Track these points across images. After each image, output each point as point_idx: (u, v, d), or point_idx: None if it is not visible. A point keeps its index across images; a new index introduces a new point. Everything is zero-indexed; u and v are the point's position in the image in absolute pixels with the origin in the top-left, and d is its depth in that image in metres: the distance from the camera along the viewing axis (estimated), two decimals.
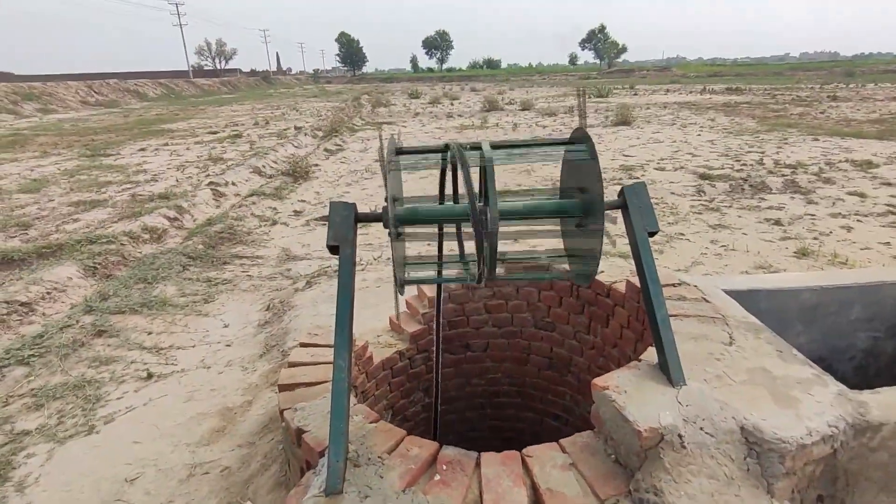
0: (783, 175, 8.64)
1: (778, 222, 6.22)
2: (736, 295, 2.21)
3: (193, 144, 14.13)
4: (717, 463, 1.36)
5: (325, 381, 2.21)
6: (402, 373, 2.92)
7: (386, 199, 1.56)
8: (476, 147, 1.58)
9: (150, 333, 3.64)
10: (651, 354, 1.72)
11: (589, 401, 3.03)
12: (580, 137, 1.65)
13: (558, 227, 1.88)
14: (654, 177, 8.90)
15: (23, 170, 10.95)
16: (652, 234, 1.66)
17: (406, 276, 1.80)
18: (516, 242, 4.99)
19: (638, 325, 2.34)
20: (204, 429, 2.58)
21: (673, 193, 7.79)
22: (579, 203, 1.70)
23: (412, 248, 2.05)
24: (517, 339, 3.11)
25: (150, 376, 3.07)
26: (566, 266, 1.93)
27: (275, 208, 7.78)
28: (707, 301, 2.08)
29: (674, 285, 2.26)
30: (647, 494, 1.35)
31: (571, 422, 3.04)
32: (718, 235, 5.84)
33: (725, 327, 1.87)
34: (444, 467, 1.55)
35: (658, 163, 10.15)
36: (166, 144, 14.24)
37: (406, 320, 2.94)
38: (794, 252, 5.17)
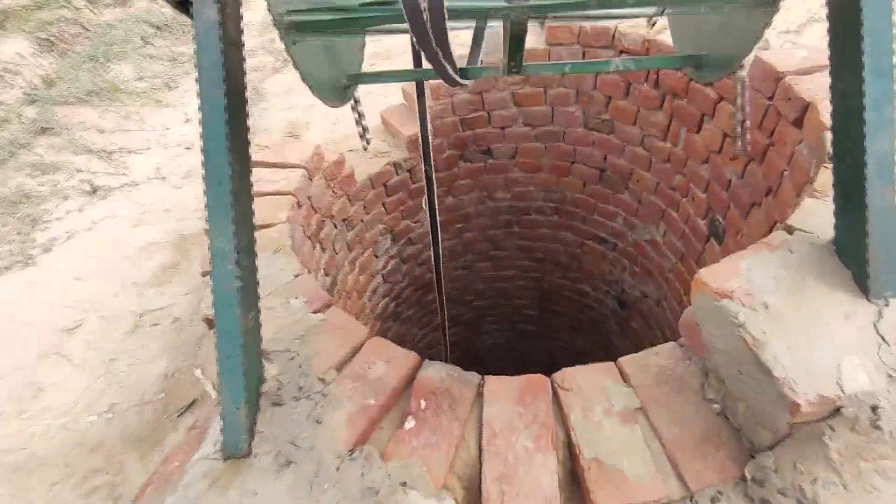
0: None
1: None
2: None
3: None
4: None
5: (276, 224, 1.56)
6: (402, 189, 2.23)
7: None
8: None
9: (99, 132, 2.96)
10: (812, 214, 0.93)
11: (649, 224, 2.31)
12: None
13: None
14: None
15: None
16: None
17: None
18: None
19: (760, 135, 1.45)
20: (154, 264, 2.09)
21: None
22: None
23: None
24: (558, 143, 2.27)
25: (95, 191, 2.50)
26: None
27: None
28: None
29: None
30: (784, 499, 0.73)
31: (621, 248, 2.39)
32: None
33: None
34: (424, 404, 0.95)
35: None
36: None
37: (401, 119, 2.10)
38: None
